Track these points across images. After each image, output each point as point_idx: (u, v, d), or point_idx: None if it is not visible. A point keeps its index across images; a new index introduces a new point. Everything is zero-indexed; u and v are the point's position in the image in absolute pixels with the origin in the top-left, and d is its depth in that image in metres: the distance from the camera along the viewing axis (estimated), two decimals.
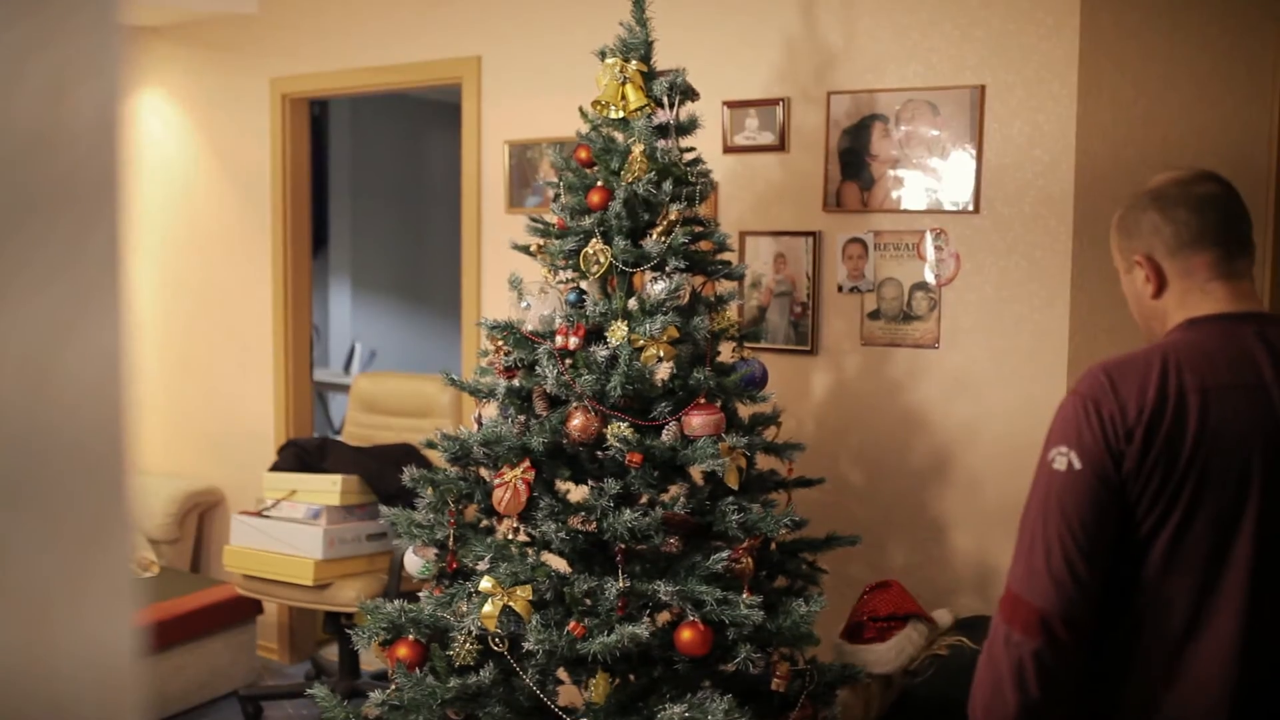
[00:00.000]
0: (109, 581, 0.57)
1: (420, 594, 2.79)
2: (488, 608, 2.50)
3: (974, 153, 3.35)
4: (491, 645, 2.56)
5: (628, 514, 2.54)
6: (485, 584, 2.53)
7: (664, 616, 2.64)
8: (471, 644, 2.53)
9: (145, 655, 0.61)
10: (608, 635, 2.42)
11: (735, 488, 2.73)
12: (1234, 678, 1.61)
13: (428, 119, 7.93)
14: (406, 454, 4.24)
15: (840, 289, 3.58)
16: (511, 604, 2.49)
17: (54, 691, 0.56)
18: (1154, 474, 1.61)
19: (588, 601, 2.60)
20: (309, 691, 2.79)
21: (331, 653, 5.01)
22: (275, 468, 4.39)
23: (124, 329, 0.55)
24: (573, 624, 2.48)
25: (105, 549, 0.57)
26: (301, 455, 4.39)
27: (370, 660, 4.49)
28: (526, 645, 2.48)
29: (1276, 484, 1.61)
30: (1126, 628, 1.68)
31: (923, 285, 3.45)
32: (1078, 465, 1.63)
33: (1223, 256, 1.73)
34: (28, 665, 0.54)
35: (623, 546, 2.58)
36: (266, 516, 4.26)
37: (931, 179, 3.42)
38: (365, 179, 7.87)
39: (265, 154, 4.99)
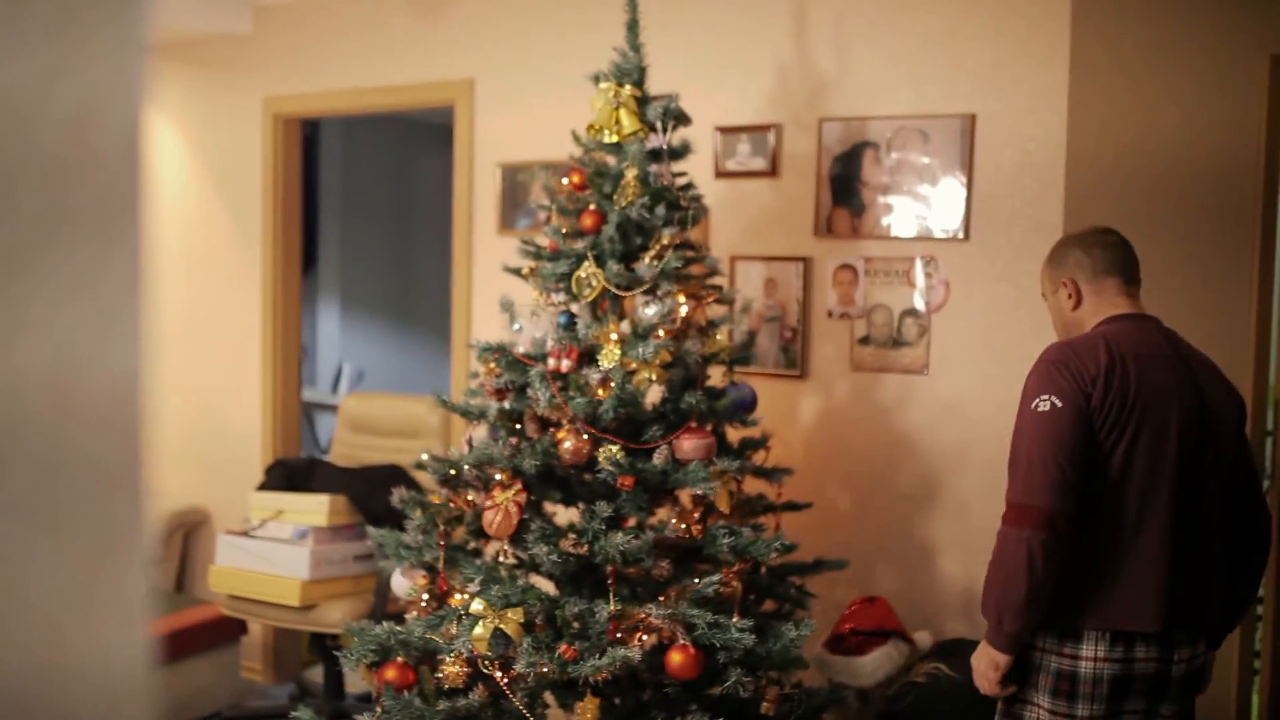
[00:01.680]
0: (123, 599, 0.57)
1: (408, 616, 2.78)
2: (479, 630, 2.49)
3: (964, 180, 3.37)
4: (481, 668, 2.55)
5: (620, 536, 2.54)
6: (477, 606, 2.52)
7: (651, 640, 2.63)
8: (461, 666, 2.52)
9: (156, 672, 0.61)
10: (599, 658, 2.42)
11: (727, 511, 2.73)
12: (1168, 550, 2.26)
13: (419, 140, 7.94)
14: (395, 475, 4.23)
15: (830, 314, 3.60)
16: (503, 626, 2.48)
17: (66, 707, 0.56)
18: (1111, 409, 2.25)
19: (577, 625, 2.60)
20: (293, 714, 2.78)
21: (316, 674, 4.98)
22: (263, 487, 4.37)
23: (144, 350, 0.55)
24: (564, 647, 2.47)
25: (121, 566, 0.57)
26: (289, 475, 4.38)
27: (355, 682, 4.46)
28: (517, 668, 2.47)
29: (1190, 420, 2.30)
30: (1099, 523, 2.27)
31: (913, 311, 3.47)
32: (1059, 404, 2.24)
33: (1123, 282, 2.46)
34: (42, 681, 0.54)
35: (614, 569, 2.58)
36: (253, 536, 4.24)
37: (922, 206, 3.44)
38: (356, 199, 7.87)
39: (257, 173, 4.99)
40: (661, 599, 2.62)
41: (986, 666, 2.35)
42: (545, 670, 2.45)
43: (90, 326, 0.53)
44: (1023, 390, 2.34)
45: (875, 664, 3.07)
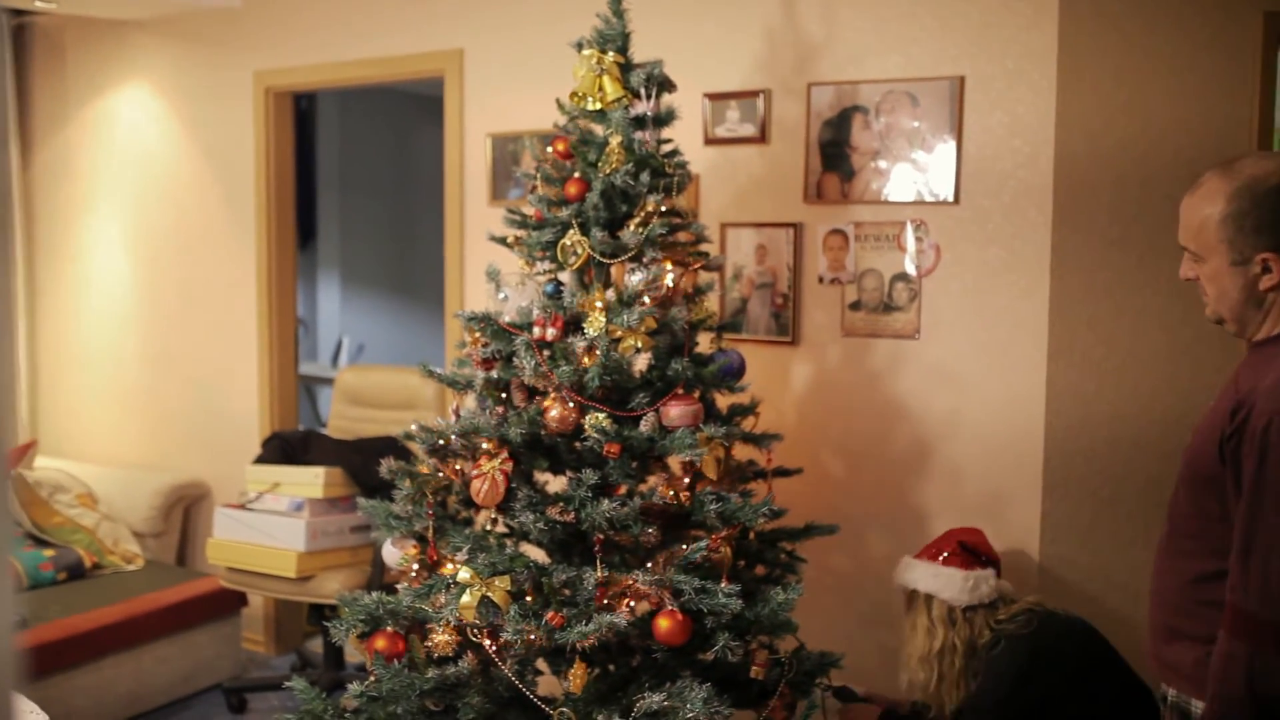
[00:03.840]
0: None
1: (399, 586, 2.79)
2: (466, 598, 2.50)
3: (954, 144, 3.35)
4: (470, 637, 2.56)
5: (606, 504, 2.55)
6: (464, 575, 2.53)
7: (643, 606, 2.64)
8: (450, 635, 2.53)
9: (17, 637, 0.60)
10: (586, 625, 2.43)
11: (715, 478, 2.73)
12: None
13: (416, 113, 7.92)
14: (390, 447, 4.23)
15: (821, 280, 3.58)
16: (490, 594, 2.49)
17: None
18: None
19: (566, 592, 2.60)
20: (288, 684, 2.79)
21: (317, 645, 5.01)
22: (259, 460, 4.39)
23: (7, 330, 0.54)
24: (551, 614, 2.48)
25: None
26: (285, 448, 4.39)
27: (355, 653, 4.49)
28: (504, 636, 2.48)
29: None
30: None
31: (903, 276, 3.45)
32: None
33: None
34: None
35: (601, 537, 2.58)
36: (249, 509, 4.26)
37: (912, 170, 3.42)
38: (354, 173, 7.86)
39: (249, 147, 4.98)
40: (650, 565, 2.63)
41: None
42: (532, 638, 2.46)
43: None
44: (1262, 438, 1.75)
45: (975, 582, 2.91)
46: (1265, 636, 1.71)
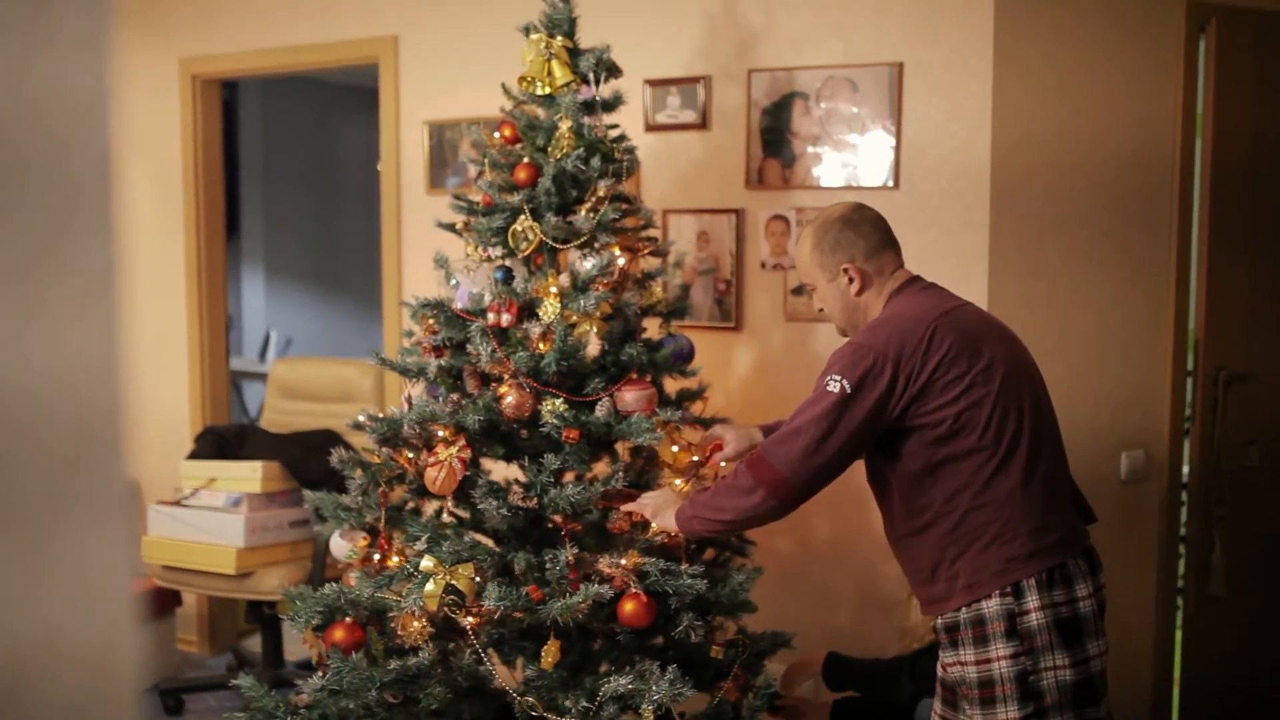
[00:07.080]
0: (107, 552, 0.55)
1: (353, 576, 2.76)
2: (430, 587, 2.48)
3: (893, 129, 3.40)
4: (449, 612, 2.53)
5: (570, 488, 2.56)
6: (426, 563, 2.51)
7: (605, 590, 2.65)
8: (422, 623, 2.51)
9: (142, 626, 0.60)
10: (568, 598, 2.44)
11: (671, 462, 2.75)
12: (1050, 484, 2.34)
13: (341, 103, 7.80)
14: (329, 440, 4.16)
15: (763, 266, 3.61)
16: (454, 582, 2.47)
17: (51, 664, 0.54)
18: (945, 374, 2.23)
19: (537, 575, 2.60)
20: (234, 681, 2.74)
21: (253, 644, 4.92)
22: (193, 456, 4.30)
23: (121, 312, 0.53)
24: (531, 587, 2.48)
25: (104, 524, 0.55)
26: (220, 443, 4.31)
27: (294, 650, 4.42)
28: (486, 603, 2.46)
29: (1016, 353, 2.38)
30: (993, 480, 2.29)
31: None
32: (849, 390, 2.26)
33: (896, 253, 2.49)
34: (26, 638, 0.53)
35: (560, 519, 2.59)
36: (185, 505, 4.17)
37: (851, 155, 3.46)
38: (277, 165, 7.72)
39: (175, 136, 4.87)
40: (611, 552, 2.64)
41: (662, 520, 2.51)
42: (514, 611, 2.47)
43: (65, 295, 0.51)
44: (830, 359, 2.35)
45: None
46: (764, 472, 2.31)
